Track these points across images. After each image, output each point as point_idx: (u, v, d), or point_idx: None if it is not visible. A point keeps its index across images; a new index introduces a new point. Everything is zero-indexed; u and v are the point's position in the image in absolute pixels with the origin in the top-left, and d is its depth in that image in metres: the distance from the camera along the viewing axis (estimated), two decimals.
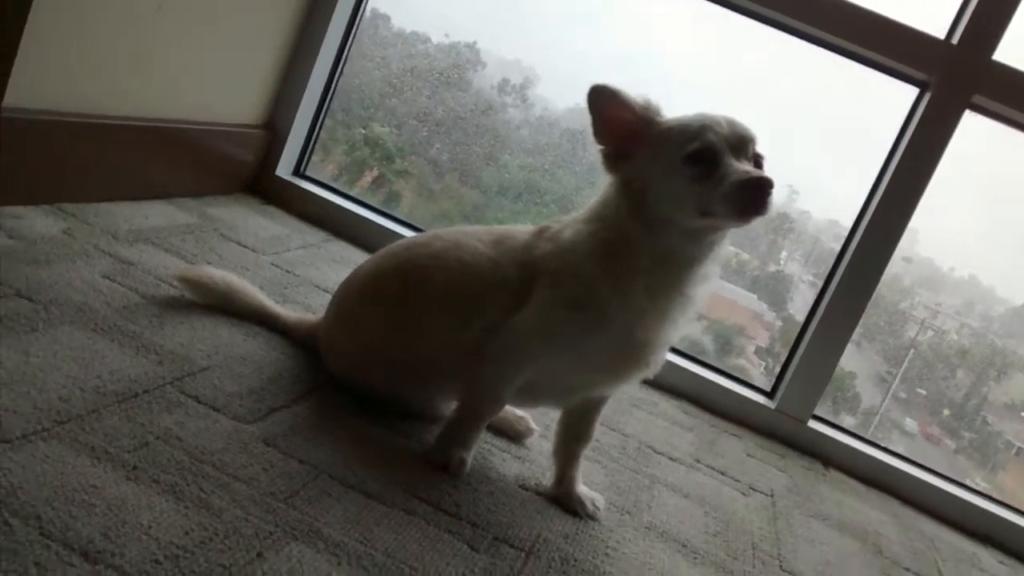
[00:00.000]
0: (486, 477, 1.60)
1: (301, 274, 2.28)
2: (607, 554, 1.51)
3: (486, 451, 1.70)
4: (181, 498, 1.17)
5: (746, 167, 1.38)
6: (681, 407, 2.53)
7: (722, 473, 2.14)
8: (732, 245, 3.40)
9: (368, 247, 2.74)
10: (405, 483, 1.45)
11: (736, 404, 2.60)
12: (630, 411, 2.30)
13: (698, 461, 2.16)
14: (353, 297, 1.68)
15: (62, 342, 1.44)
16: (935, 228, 2.99)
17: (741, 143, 1.41)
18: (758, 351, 3.51)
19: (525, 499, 1.58)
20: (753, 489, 2.13)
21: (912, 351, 3.36)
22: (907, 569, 2.03)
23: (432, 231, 1.70)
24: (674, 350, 2.72)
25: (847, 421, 3.47)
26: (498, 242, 1.57)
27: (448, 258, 1.57)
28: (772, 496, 2.13)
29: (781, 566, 1.76)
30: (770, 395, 2.69)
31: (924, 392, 3.40)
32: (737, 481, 2.13)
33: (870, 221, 2.51)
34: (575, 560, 1.44)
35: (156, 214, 2.26)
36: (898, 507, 2.45)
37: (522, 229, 1.59)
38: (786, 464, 2.40)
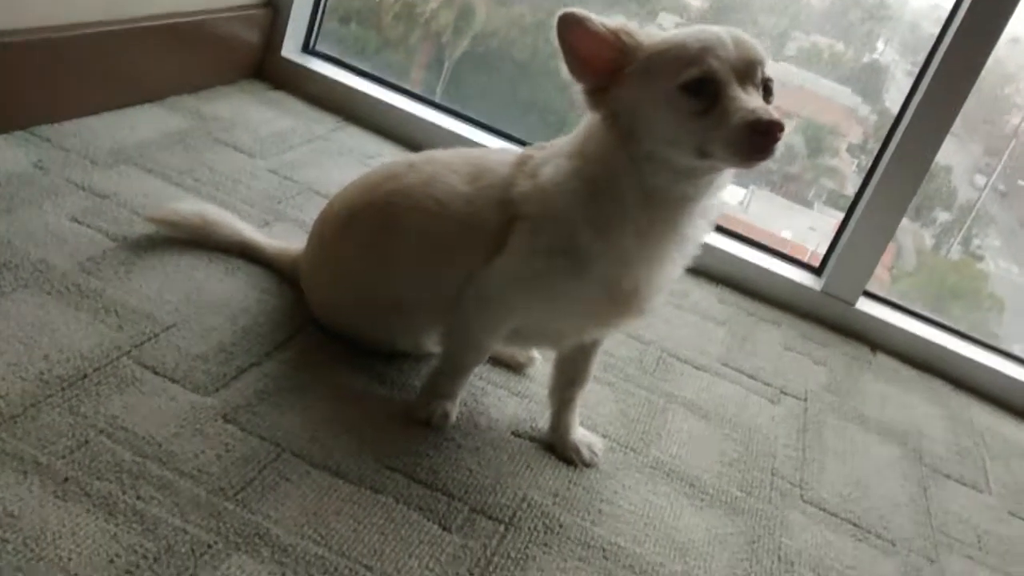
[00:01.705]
0: (475, 426, 1.51)
1: (301, 178, 2.15)
2: (600, 511, 1.42)
3: (479, 391, 1.60)
4: (113, 513, 1.11)
5: (754, 101, 1.16)
6: (717, 294, 2.37)
7: (752, 377, 2.01)
8: (823, 36, 3.17)
9: (383, 130, 2.58)
10: (379, 450, 1.37)
11: (778, 287, 2.43)
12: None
13: (726, 365, 2.02)
14: (328, 236, 1.55)
15: (10, 315, 1.37)
16: None
17: (748, 68, 1.19)
18: (851, 148, 3.36)
19: (515, 450, 1.49)
20: (784, 393, 2.00)
21: (1014, 141, 3.17)
22: (948, 476, 1.91)
23: (407, 159, 1.54)
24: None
25: (942, 217, 3.30)
26: (475, 176, 1.41)
27: (421, 196, 1.42)
28: (806, 400, 2.00)
29: (802, 495, 1.66)
30: (818, 272, 2.50)
31: None
32: (768, 386, 2.00)
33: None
34: (560, 526, 1.36)
35: (145, 122, 2.13)
36: (949, 393, 2.29)
37: (502, 158, 1.42)
38: (828, 354, 2.25)
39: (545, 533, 1.33)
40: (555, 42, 1.22)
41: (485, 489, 1.37)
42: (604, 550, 1.34)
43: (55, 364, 1.31)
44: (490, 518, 1.32)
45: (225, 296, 1.60)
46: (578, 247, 1.28)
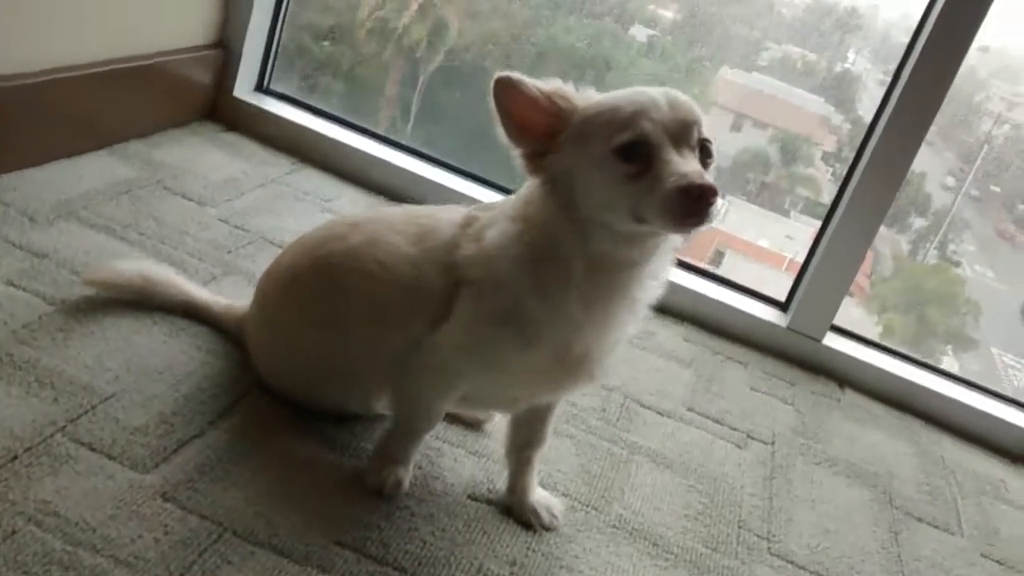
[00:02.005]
0: (429, 492, 1.46)
1: (252, 227, 2.10)
2: None
3: (435, 452, 1.55)
4: None
5: (689, 164, 1.12)
6: (683, 332, 2.33)
7: (718, 422, 1.97)
8: (795, 46, 3.16)
9: (343, 173, 2.53)
10: (327, 524, 1.31)
11: (744, 324, 2.39)
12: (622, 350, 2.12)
13: (691, 409, 1.98)
14: (270, 297, 1.50)
15: None
16: (1015, 13, 2.60)
17: (683, 129, 1.15)
18: (825, 157, 3.37)
19: (472, 516, 1.44)
20: (751, 438, 1.96)
21: (986, 147, 3.17)
22: (919, 519, 1.87)
23: (351, 217, 1.49)
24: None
25: (917, 223, 3.30)
26: (420, 237, 1.36)
27: (365, 258, 1.37)
28: (773, 443, 1.96)
29: (769, 548, 1.61)
30: (784, 307, 2.47)
31: (998, 189, 3.27)
32: (734, 430, 1.96)
33: (943, 8, 2.14)
34: None
35: (93, 172, 2.07)
36: (920, 429, 2.26)
37: (448, 217, 1.37)
38: (795, 393, 2.21)
39: None
40: (491, 105, 1.18)
41: (439, 562, 1.32)
42: None
43: None
44: None
45: (167, 360, 1.54)
46: (524, 315, 1.23)
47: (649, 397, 1.97)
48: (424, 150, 2.63)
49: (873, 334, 3.41)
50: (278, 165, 2.46)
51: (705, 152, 1.18)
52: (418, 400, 1.38)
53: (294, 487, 1.36)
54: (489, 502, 1.48)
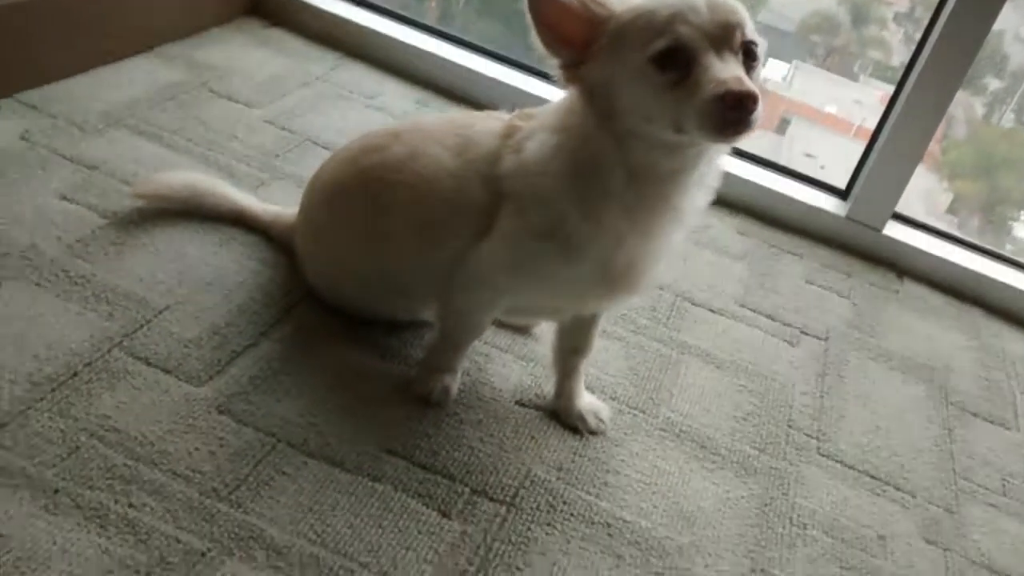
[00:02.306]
0: (478, 398, 1.48)
1: (298, 128, 2.08)
2: (605, 483, 1.40)
3: (483, 357, 1.57)
4: (105, 525, 1.10)
5: (729, 69, 1.07)
6: (737, 224, 2.28)
7: (771, 318, 1.95)
8: None
9: (386, 65, 2.47)
10: (378, 432, 1.35)
11: (802, 214, 2.33)
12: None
13: (744, 306, 1.96)
14: (314, 209, 1.50)
15: (0, 313, 1.34)
16: None
17: (725, 32, 1.09)
18: (898, 17, 3.31)
19: (520, 422, 1.46)
20: (804, 333, 1.94)
21: None
22: (975, 415, 1.85)
23: (391, 127, 1.46)
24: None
25: (993, 85, 3.16)
26: (462, 149, 1.34)
27: (407, 171, 1.36)
28: (826, 339, 1.94)
29: (819, 448, 1.62)
30: (843, 195, 2.40)
31: None
32: (787, 326, 1.94)
33: None
34: (564, 503, 1.34)
35: (136, 77, 2.07)
36: (981, 320, 2.20)
37: (489, 128, 1.34)
38: (852, 285, 2.17)
39: (548, 512, 1.31)
40: (527, 15, 1.13)
41: (487, 468, 1.35)
42: (608, 526, 1.32)
43: (45, 363, 1.29)
44: (491, 499, 1.30)
45: (219, 271, 1.56)
46: (567, 230, 1.21)
47: (701, 294, 1.95)
48: (473, 40, 2.55)
49: (943, 201, 3.31)
50: (322, 61, 2.42)
51: (749, 55, 1.12)
52: (464, 313, 1.38)
53: (345, 396, 1.39)
54: (537, 407, 1.50)
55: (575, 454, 1.43)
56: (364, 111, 2.25)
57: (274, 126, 2.06)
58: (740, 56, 1.11)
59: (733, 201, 2.33)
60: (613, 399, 1.57)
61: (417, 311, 1.51)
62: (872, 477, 1.59)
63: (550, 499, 1.33)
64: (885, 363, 1.92)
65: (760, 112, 1.06)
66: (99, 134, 1.82)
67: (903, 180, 2.28)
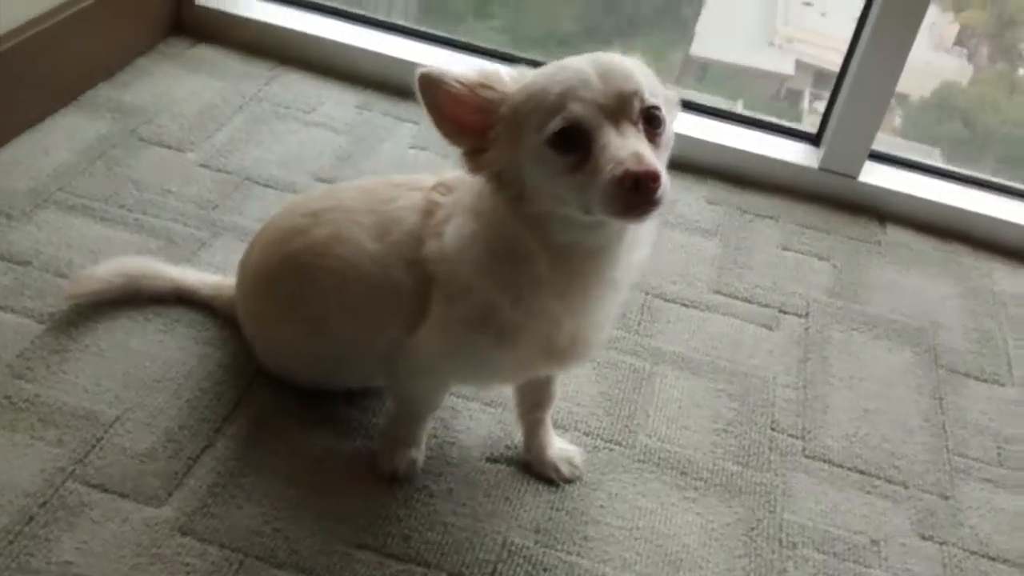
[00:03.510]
0: (446, 462, 1.45)
1: (235, 167, 2.00)
2: (585, 537, 1.37)
3: (448, 411, 1.53)
4: None
5: (628, 144, 0.99)
6: (706, 193, 2.20)
7: (747, 300, 1.89)
8: None
9: (325, 69, 2.36)
10: (347, 526, 1.32)
11: (773, 171, 2.24)
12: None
13: (718, 292, 1.90)
14: (250, 293, 1.45)
15: None
16: None
17: (620, 102, 1.01)
18: None
19: (492, 482, 1.43)
20: (783, 312, 1.88)
21: None
22: (966, 375, 1.81)
23: (310, 204, 1.39)
24: (690, 106, 2.33)
25: None
26: (382, 230, 1.27)
27: (331, 257, 1.30)
28: (807, 315, 1.88)
29: (804, 450, 1.58)
30: (815, 140, 2.30)
31: None
32: (765, 307, 1.88)
33: None
34: (544, 568, 1.32)
35: (61, 139, 1.98)
36: (969, 259, 2.13)
37: (409, 205, 1.27)
38: (831, 244, 2.10)
39: None
40: (421, 104, 1.05)
41: (462, 545, 1.32)
42: None
43: None
44: None
45: (165, 364, 1.51)
46: (498, 319, 1.16)
47: (672, 287, 1.89)
48: (422, 28, 2.42)
49: (949, 34, 3.18)
50: (254, 76, 2.32)
51: (652, 122, 1.04)
52: (410, 397, 1.35)
53: (309, 489, 1.36)
54: (509, 461, 1.47)
55: (552, 508, 1.41)
56: (302, 131, 2.16)
57: (209, 169, 1.98)
58: (640, 125, 1.02)
59: (699, 166, 2.24)
60: (587, 435, 1.53)
61: (370, 382, 1.47)
62: (862, 473, 1.56)
63: (529, 569, 1.31)
64: (870, 332, 1.87)
65: (665, 189, 0.98)
66: (28, 218, 1.75)
67: (876, 118, 2.19)
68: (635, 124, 1.01)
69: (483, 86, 1.05)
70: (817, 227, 2.15)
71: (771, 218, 2.15)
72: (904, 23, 2.03)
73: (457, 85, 1.05)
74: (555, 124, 1.00)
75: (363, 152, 2.11)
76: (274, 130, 2.14)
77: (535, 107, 1.02)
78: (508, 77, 1.08)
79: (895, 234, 2.17)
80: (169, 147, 2.02)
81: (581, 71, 1.02)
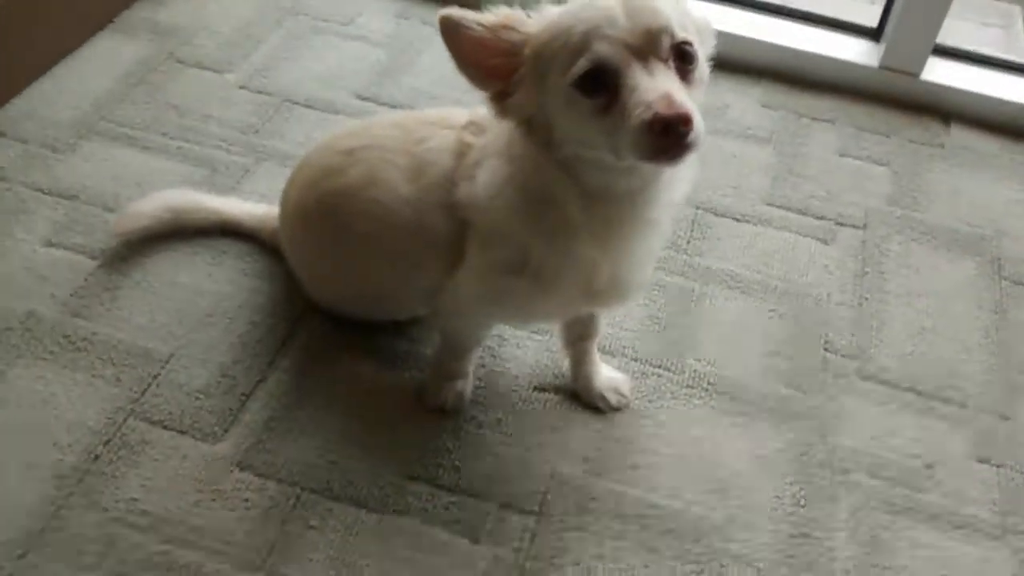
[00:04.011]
0: (495, 392, 1.46)
1: (275, 88, 1.97)
2: (633, 466, 1.38)
3: (496, 341, 1.53)
4: None
5: (659, 84, 0.93)
6: (760, 95, 2.12)
7: (802, 212, 1.84)
8: None
9: None
10: (399, 458, 1.35)
11: (831, 70, 2.14)
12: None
13: (771, 204, 1.85)
14: (290, 228, 1.45)
15: (11, 401, 1.37)
16: None
17: (648, 40, 0.95)
18: None
19: (540, 412, 1.44)
20: (840, 224, 1.82)
21: None
22: None
23: (346, 141, 1.36)
24: (743, 2, 2.22)
25: None
26: (416, 172, 1.24)
27: (366, 199, 1.28)
28: (864, 227, 1.82)
29: (859, 370, 1.56)
30: (876, 35, 2.18)
31: None
32: (820, 219, 1.82)
33: None
34: (593, 499, 1.33)
35: (100, 64, 1.97)
36: None
37: (442, 146, 1.23)
38: (891, 149, 2.01)
39: (577, 514, 1.31)
40: (447, 48, 1.01)
41: (511, 476, 1.34)
42: (641, 517, 1.32)
43: (67, 451, 1.31)
44: (519, 511, 1.31)
45: (216, 298, 1.53)
46: (535, 262, 1.13)
47: (723, 200, 1.84)
48: None
49: None
50: None
51: (684, 58, 0.98)
52: (456, 334, 1.35)
53: (361, 422, 1.39)
54: (556, 390, 1.47)
55: (600, 437, 1.41)
56: (341, 45, 2.11)
57: (248, 91, 1.96)
58: (671, 63, 0.97)
59: (753, 66, 2.15)
60: (634, 360, 1.52)
61: (416, 313, 1.47)
62: (918, 393, 1.53)
63: (578, 499, 1.33)
64: (930, 242, 1.80)
65: (698, 131, 0.93)
66: (72, 151, 1.76)
67: (943, 8, 2.05)
68: (665, 61, 0.96)
69: (505, 27, 1.00)
70: (876, 130, 2.06)
71: (828, 121, 2.07)
72: None
73: (478, 28, 1.00)
74: (580, 65, 0.95)
75: (402, 66, 2.06)
76: (312, 45, 2.10)
77: (559, 48, 0.97)
78: (531, 18, 1.03)
79: (959, 135, 2.07)
80: (208, 68, 2.00)
81: (606, 7, 0.96)
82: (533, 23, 1.01)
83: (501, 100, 1.03)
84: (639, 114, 0.92)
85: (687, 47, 0.97)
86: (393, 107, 1.95)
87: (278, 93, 1.96)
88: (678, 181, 1.12)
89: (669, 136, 0.91)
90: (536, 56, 0.99)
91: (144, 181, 1.71)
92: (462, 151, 1.19)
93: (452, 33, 0.99)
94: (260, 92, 1.96)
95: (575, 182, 1.06)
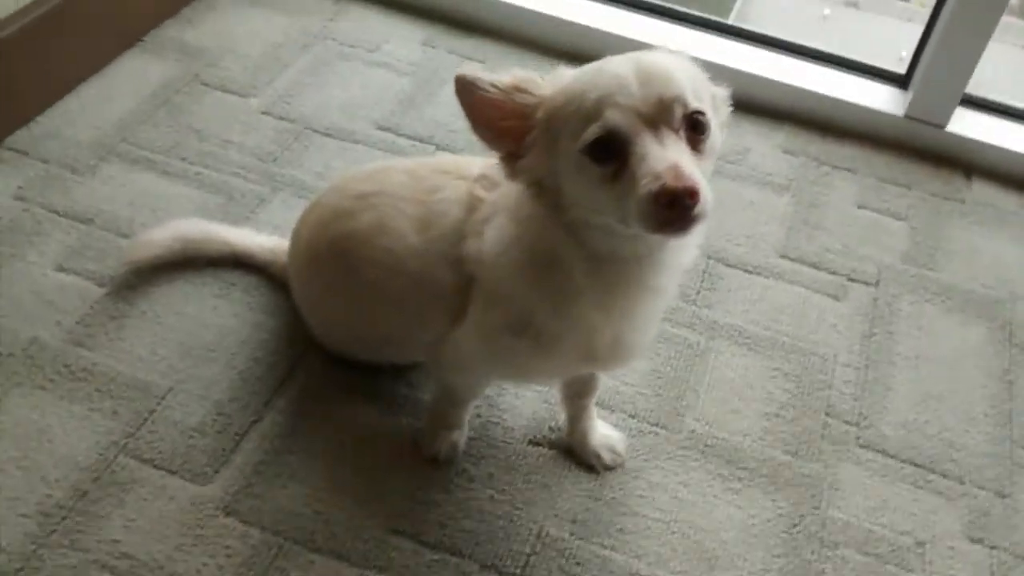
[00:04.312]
0: (488, 444, 1.46)
1: (298, 115, 1.99)
2: (621, 529, 1.38)
3: (495, 391, 1.53)
4: None
5: (668, 154, 0.93)
6: (781, 141, 2.09)
7: (815, 267, 1.81)
8: None
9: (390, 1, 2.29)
10: (385, 510, 1.36)
11: (856, 118, 2.11)
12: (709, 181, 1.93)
13: (785, 256, 1.83)
14: (300, 266, 1.46)
15: (5, 431, 1.39)
16: None
17: (661, 109, 0.95)
18: None
19: (532, 467, 1.44)
20: (852, 280, 1.80)
21: None
22: None
23: (358, 185, 1.36)
24: (770, 42, 2.19)
25: None
26: (426, 223, 1.25)
27: (375, 247, 1.29)
28: (877, 284, 1.80)
29: (858, 438, 1.54)
30: (903, 83, 2.15)
31: None
32: (833, 275, 1.80)
33: None
34: (578, 563, 1.33)
35: (125, 84, 2.00)
36: None
37: (454, 197, 1.24)
38: (910, 202, 1.98)
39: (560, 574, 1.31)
40: (461, 107, 1.01)
41: (497, 535, 1.34)
42: None
43: (54, 486, 1.33)
44: (502, 573, 1.31)
45: (220, 332, 1.55)
46: (537, 325, 1.13)
47: (736, 250, 1.82)
48: None
49: None
50: (318, 12, 2.27)
51: (696, 127, 0.97)
52: (452, 388, 1.36)
53: (352, 469, 1.39)
54: (551, 444, 1.47)
55: (591, 498, 1.41)
56: (365, 72, 2.12)
57: (271, 116, 1.97)
58: (682, 132, 0.96)
59: (776, 110, 2.13)
60: (632, 417, 1.52)
61: (419, 359, 1.47)
62: (916, 465, 1.51)
63: (562, 563, 1.33)
64: (942, 303, 1.77)
65: (705, 204, 0.93)
66: (92, 173, 1.78)
67: (973, 58, 2.02)
68: (676, 131, 0.95)
69: (519, 90, 1.00)
70: (897, 181, 2.02)
71: (849, 171, 2.04)
72: None
73: (492, 89, 1.01)
74: (591, 132, 0.95)
75: (425, 96, 2.06)
76: (337, 71, 2.11)
77: (571, 113, 0.97)
78: (545, 81, 1.03)
79: (982, 191, 2.03)
80: (232, 92, 2.02)
81: (620, 75, 0.96)
82: (547, 86, 1.01)
83: (512, 161, 1.03)
84: (646, 184, 0.92)
85: (700, 117, 0.97)
86: (412, 139, 1.96)
87: (300, 120, 1.97)
88: (686, 247, 1.11)
89: (675, 208, 0.91)
90: (548, 120, 0.99)
91: (159, 207, 1.73)
92: (473, 204, 1.19)
93: (466, 93, 1.00)
94: (282, 118, 1.97)
95: (581, 246, 1.06)
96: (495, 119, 1.02)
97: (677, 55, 1.04)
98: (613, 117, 0.94)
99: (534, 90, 1.01)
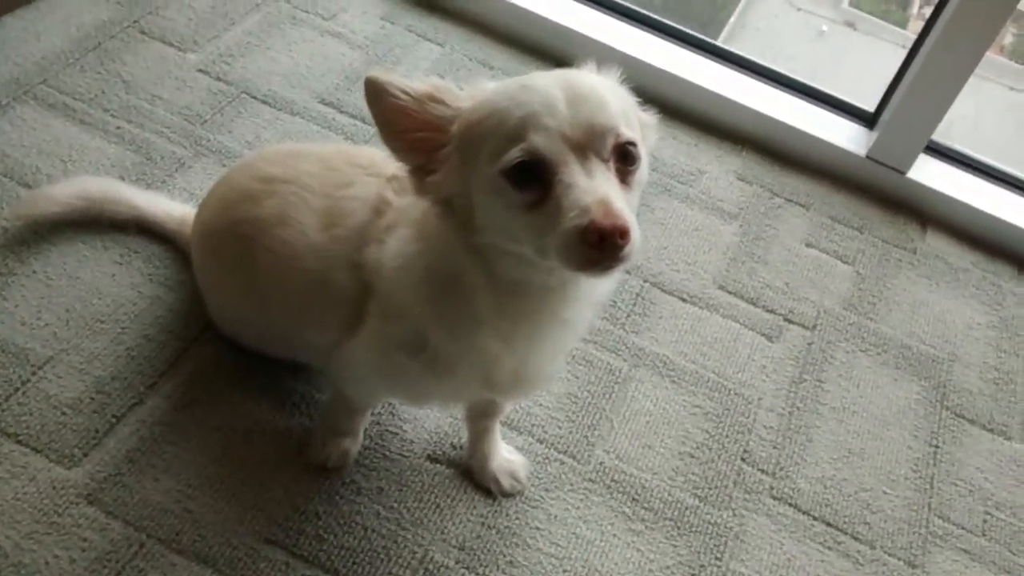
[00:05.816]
0: (384, 455, 1.37)
1: (236, 76, 1.87)
2: (511, 563, 1.30)
3: (398, 402, 1.44)
4: None
5: (597, 186, 0.85)
6: (738, 166, 2.02)
7: (752, 303, 1.75)
8: None
9: None
10: (261, 516, 1.27)
11: (816, 152, 2.04)
12: (657, 199, 1.86)
13: (723, 288, 1.76)
14: (199, 243, 1.36)
15: None
16: None
17: (592, 136, 0.86)
18: None
19: (425, 486, 1.36)
20: (789, 321, 1.73)
21: None
22: (972, 421, 1.66)
23: (268, 167, 1.26)
24: (740, 62, 2.12)
25: None
26: (330, 219, 1.16)
27: (274, 237, 1.19)
28: (814, 328, 1.73)
29: (772, 489, 1.48)
30: (871, 122, 2.08)
31: None
32: (770, 313, 1.73)
33: None
34: None
35: (57, 22, 1.87)
36: (1008, 283, 1.94)
37: (361, 195, 1.14)
38: (861, 246, 1.92)
39: None
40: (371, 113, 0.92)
41: (378, 557, 1.26)
42: None
43: None
44: None
45: (113, 302, 1.44)
46: (433, 348, 1.05)
47: (674, 276, 1.75)
48: None
49: None
50: None
51: (626, 158, 0.89)
52: (347, 396, 1.26)
53: (231, 467, 1.30)
54: (450, 463, 1.39)
55: (483, 525, 1.33)
56: (317, 40, 2.01)
57: (208, 76, 1.86)
58: (611, 164, 0.88)
59: (736, 133, 2.06)
60: (540, 442, 1.44)
61: (310, 361, 1.38)
62: (828, 524, 1.45)
63: None
64: (878, 356, 1.72)
65: (634, 244, 0.85)
66: (2, 113, 1.66)
67: (943, 105, 1.96)
68: (605, 161, 0.87)
69: (433, 100, 0.91)
70: (850, 223, 1.96)
71: (802, 205, 1.97)
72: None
73: (404, 96, 0.92)
74: (513, 155, 0.86)
75: None
76: (286, 36, 1.99)
77: (491, 131, 0.88)
78: (464, 92, 0.94)
79: (935, 243, 1.98)
80: (170, 44, 1.90)
81: (547, 94, 0.87)
82: (465, 98, 0.92)
83: (421, 176, 0.94)
84: (573, 218, 0.83)
85: (631, 148, 0.89)
86: (354, 117, 1.86)
87: (237, 83, 1.86)
88: (592, 298, 1.03)
89: (603, 247, 0.82)
90: (464, 135, 0.90)
91: (71, 159, 1.62)
92: (380, 208, 1.10)
93: (376, 98, 0.91)
94: (219, 79, 1.86)
95: (488, 271, 0.97)
96: (407, 129, 0.93)
97: (607, 76, 0.96)
98: (538, 140, 0.86)
99: (451, 101, 0.92)
